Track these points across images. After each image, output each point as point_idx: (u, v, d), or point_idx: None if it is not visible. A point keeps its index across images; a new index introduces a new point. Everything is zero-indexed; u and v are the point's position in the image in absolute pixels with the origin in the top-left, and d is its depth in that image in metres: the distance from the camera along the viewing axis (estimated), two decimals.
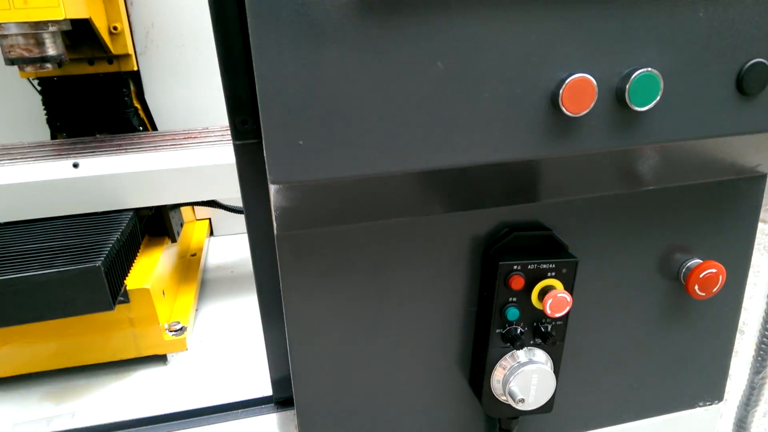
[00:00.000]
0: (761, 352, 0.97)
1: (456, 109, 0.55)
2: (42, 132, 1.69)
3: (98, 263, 1.01)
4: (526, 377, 0.71)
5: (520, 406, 0.71)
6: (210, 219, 1.87)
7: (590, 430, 0.86)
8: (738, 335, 0.88)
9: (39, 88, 1.60)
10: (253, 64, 0.49)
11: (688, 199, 0.77)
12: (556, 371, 0.75)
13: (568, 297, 0.68)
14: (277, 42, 0.49)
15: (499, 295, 0.70)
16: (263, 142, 0.53)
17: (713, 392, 0.89)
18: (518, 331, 0.72)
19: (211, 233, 1.89)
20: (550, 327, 0.72)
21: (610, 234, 0.76)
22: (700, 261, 0.77)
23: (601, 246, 0.76)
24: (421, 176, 0.61)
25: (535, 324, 0.72)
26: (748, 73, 0.60)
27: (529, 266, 0.69)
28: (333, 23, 0.50)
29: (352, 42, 0.51)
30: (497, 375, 0.73)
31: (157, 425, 1.06)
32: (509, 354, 0.73)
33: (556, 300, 0.68)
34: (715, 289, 0.77)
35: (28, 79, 1.58)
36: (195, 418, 1.08)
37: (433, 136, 0.55)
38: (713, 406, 0.89)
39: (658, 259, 0.78)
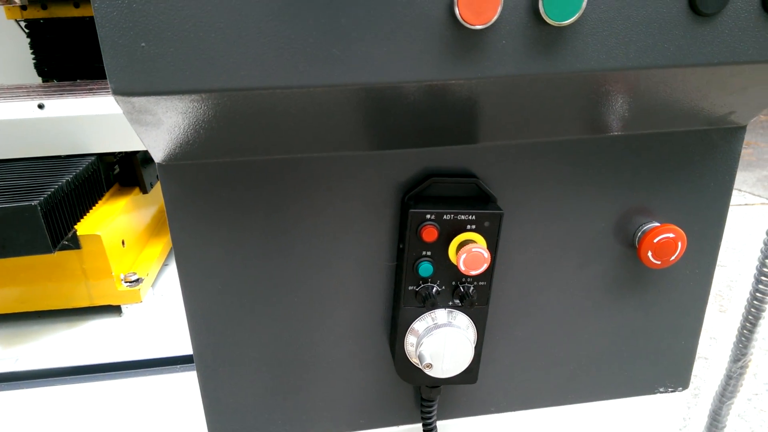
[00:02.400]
0: (743, 338, 0.85)
1: (334, 15, 0.46)
2: (34, 79, 1.67)
3: (35, 202, 0.97)
4: (438, 341, 0.63)
5: (428, 372, 0.63)
6: None
7: (530, 408, 0.77)
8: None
9: (27, 30, 1.57)
10: None
11: (648, 152, 0.66)
12: (480, 338, 0.66)
13: (485, 253, 0.60)
14: None
15: (411, 248, 0.62)
16: (100, 44, 0.46)
17: (676, 378, 0.78)
18: (433, 290, 0.63)
19: None
20: (471, 288, 0.64)
21: (555, 188, 0.66)
22: (658, 224, 0.67)
23: (544, 201, 0.66)
24: (318, 100, 0.53)
25: (454, 283, 0.64)
26: None
27: (445, 216, 0.61)
28: None
29: None
30: (411, 337, 0.65)
31: (88, 375, 1.02)
32: (427, 315, 0.65)
33: (470, 255, 0.59)
34: (672, 258, 0.66)
35: (16, 20, 1.56)
36: (130, 370, 1.04)
37: (308, 47, 0.47)
38: (676, 393, 0.79)
39: (611, 220, 0.68)
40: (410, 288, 0.64)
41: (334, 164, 0.62)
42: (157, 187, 1.48)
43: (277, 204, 0.63)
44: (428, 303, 0.63)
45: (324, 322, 0.69)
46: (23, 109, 1.19)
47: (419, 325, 0.64)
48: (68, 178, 1.09)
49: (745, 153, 5.67)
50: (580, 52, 0.50)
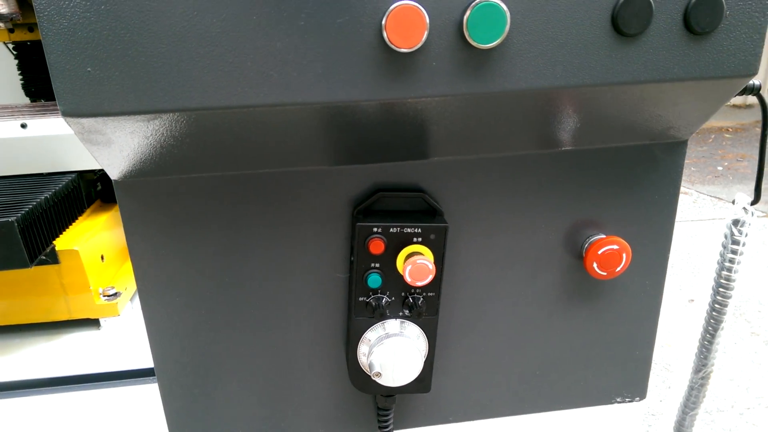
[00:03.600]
0: (704, 349, 0.87)
1: (270, 40, 0.49)
2: (22, 100, 1.70)
3: (12, 218, 0.99)
4: (387, 350, 0.65)
5: (378, 380, 0.65)
6: None
7: (487, 418, 0.79)
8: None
9: (15, 52, 1.61)
10: None
11: (593, 167, 0.68)
12: (432, 348, 0.68)
13: (430, 265, 0.62)
14: None
15: (360, 260, 0.64)
16: (49, 69, 0.48)
17: (633, 388, 0.80)
18: (383, 301, 0.65)
19: None
20: (420, 299, 0.66)
21: (503, 202, 0.68)
22: (603, 236, 0.69)
23: (492, 214, 0.69)
24: (262, 119, 0.55)
25: (404, 294, 0.66)
26: (625, 8, 0.52)
27: (391, 229, 0.63)
28: None
29: None
30: (363, 347, 0.67)
31: (66, 386, 1.04)
32: (379, 325, 0.67)
33: (415, 267, 0.61)
34: (618, 269, 0.68)
35: (4, 42, 1.59)
36: (107, 381, 1.06)
37: (246, 70, 0.50)
38: (633, 403, 0.81)
39: (559, 233, 0.70)
40: (361, 299, 0.66)
41: (287, 179, 0.65)
42: None
43: (233, 218, 0.65)
44: (377, 313, 0.65)
45: (282, 334, 0.71)
46: (6, 128, 1.22)
47: (371, 335, 0.66)
48: (47, 194, 1.12)
49: (740, 166, 5.69)
50: (508, 73, 0.53)
